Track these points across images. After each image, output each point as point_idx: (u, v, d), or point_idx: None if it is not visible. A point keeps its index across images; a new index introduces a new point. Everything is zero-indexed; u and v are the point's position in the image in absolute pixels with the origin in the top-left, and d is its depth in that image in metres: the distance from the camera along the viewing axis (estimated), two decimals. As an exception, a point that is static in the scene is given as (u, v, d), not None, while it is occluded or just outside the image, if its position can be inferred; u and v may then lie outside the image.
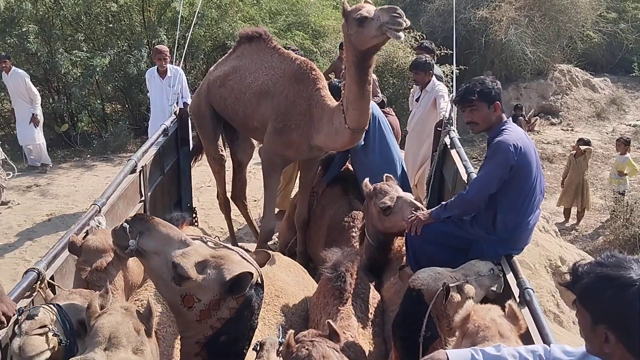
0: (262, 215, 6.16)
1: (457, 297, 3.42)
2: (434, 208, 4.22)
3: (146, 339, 2.61)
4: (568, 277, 2.03)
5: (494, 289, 3.69)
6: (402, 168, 6.04)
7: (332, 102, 5.33)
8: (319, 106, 5.32)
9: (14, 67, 10.41)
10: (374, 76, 8.45)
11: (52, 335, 2.77)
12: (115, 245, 3.05)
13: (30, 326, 2.72)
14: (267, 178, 5.88)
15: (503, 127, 3.97)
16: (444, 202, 4.20)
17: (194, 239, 3.01)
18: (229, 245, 3.10)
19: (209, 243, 3.02)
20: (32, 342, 2.70)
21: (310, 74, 5.47)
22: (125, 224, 2.91)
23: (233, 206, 7.01)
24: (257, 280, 2.96)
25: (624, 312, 1.86)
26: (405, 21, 4.34)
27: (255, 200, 8.35)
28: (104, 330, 2.51)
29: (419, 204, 4.48)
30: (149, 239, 2.89)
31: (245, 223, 7.38)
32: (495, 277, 3.70)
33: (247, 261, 2.95)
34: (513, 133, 3.93)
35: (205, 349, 2.92)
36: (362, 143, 5.81)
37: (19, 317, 2.81)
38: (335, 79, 6.65)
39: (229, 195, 6.93)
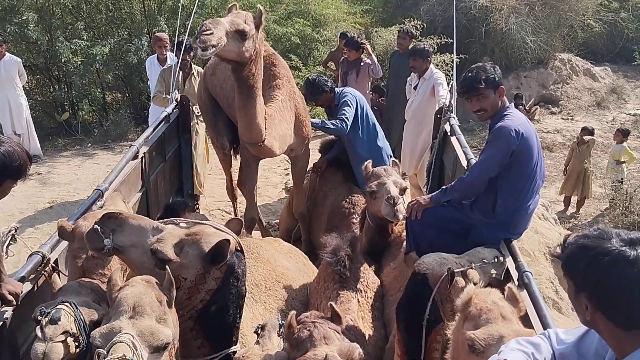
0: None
1: (461, 282, 3.44)
2: (435, 192, 4.25)
3: (168, 309, 2.66)
4: (559, 249, 2.09)
5: (495, 275, 3.72)
6: (389, 157, 6.08)
7: (280, 103, 5.29)
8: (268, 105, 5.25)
9: (7, 54, 10.33)
10: (374, 58, 8.48)
11: (73, 340, 2.81)
12: (91, 249, 3.09)
13: (54, 332, 2.75)
14: (244, 170, 5.95)
15: (505, 113, 3.99)
16: (444, 187, 4.22)
17: (166, 224, 3.07)
18: (201, 220, 3.15)
19: (181, 224, 3.09)
20: (56, 350, 2.74)
21: (270, 69, 5.39)
22: (96, 225, 2.96)
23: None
24: (236, 247, 3.04)
25: (599, 280, 1.91)
26: (205, 39, 4.20)
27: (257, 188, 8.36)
28: (128, 300, 2.56)
29: (396, 195, 4.49)
30: (122, 235, 2.95)
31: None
32: (499, 265, 3.73)
33: (222, 231, 3.03)
34: (515, 118, 3.96)
35: (198, 323, 2.98)
36: (352, 133, 5.88)
37: (40, 318, 2.80)
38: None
39: (235, 183, 6.96)
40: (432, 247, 4.14)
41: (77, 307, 2.92)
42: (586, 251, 1.95)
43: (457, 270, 3.44)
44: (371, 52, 8.56)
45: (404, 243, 4.66)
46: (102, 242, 2.94)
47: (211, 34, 4.23)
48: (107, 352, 2.38)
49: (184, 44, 7.35)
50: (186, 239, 2.94)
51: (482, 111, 4.04)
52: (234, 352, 3.13)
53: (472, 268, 3.54)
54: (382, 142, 6.11)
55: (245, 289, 3.17)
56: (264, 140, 5.07)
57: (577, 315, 2.08)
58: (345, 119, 5.74)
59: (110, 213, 3.06)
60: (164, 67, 8.36)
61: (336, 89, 6.12)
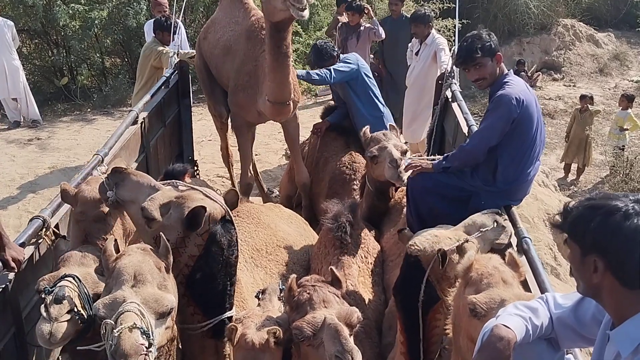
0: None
1: (456, 258, 3.32)
2: (436, 159, 4.25)
3: (167, 275, 2.68)
4: (559, 218, 2.08)
5: (500, 240, 3.59)
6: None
7: None
8: (262, 69, 5.14)
9: (1, 18, 10.18)
10: (375, 20, 8.38)
11: (77, 318, 2.80)
12: (101, 198, 3.15)
13: (60, 311, 2.74)
14: (237, 137, 5.89)
15: (505, 80, 3.96)
16: (446, 154, 4.21)
17: (166, 185, 3.10)
18: (196, 186, 3.17)
19: (180, 187, 3.10)
20: (62, 330, 2.74)
21: (260, 33, 5.26)
22: (104, 177, 3.06)
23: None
24: (223, 217, 3.04)
25: (611, 238, 1.92)
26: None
27: (256, 155, 8.34)
28: (128, 269, 2.57)
29: (399, 157, 4.50)
30: (124, 189, 3.02)
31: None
32: (500, 229, 3.59)
33: (211, 199, 3.03)
34: (515, 86, 3.93)
35: (187, 289, 3.00)
36: (353, 97, 5.82)
37: (45, 297, 2.79)
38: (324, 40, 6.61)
39: (232, 149, 6.93)
40: (432, 213, 4.16)
41: (80, 281, 2.91)
42: (596, 210, 1.96)
43: (450, 247, 3.30)
44: (372, 15, 8.46)
45: (404, 209, 4.68)
46: (106, 194, 3.02)
47: None
48: (115, 322, 2.39)
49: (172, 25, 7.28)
50: (174, 201, 2.96)
51: (480, 80, 4.02)
52: (230, 318, 3.14)
53: (467, 242, 3.39)
54: (383, 108, 6.06)
55: (236, 258, 3.17)
56: (292, 99, 5.05)
57: (579, 281, 2.08)
58: (334, 70, 5.68)
59: (117, 167, 3.11)
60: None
61: (341, 55, 6.06)
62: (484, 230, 3.51)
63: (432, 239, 3.38)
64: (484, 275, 2.82)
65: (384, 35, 8.46)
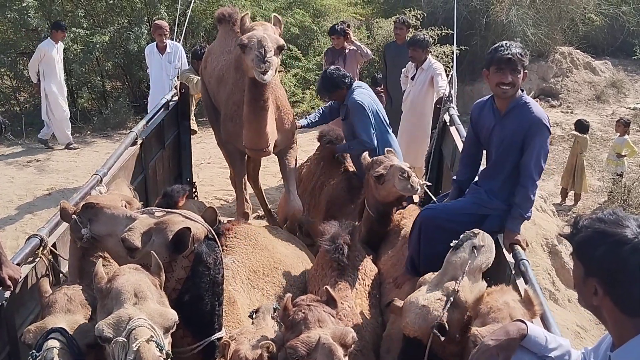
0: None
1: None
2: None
3: (162, 292, 2.68)
4: (569, 229, 2.08)
5: (489, 262, 3.26)
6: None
7: None
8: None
9: (60, 42, 10.49)
10: (357, 42, 8.31)
11: None
12: (74, 238, 3.13)
13: None
14: (230, 165, 5.89)
15: (527, 100, 4.03)
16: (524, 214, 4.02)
17: (142, 213, 3.10)
18: (174, 210, 3.17)
19: (156, 213, 3.09)
20: None
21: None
22: (74, 215, 3.03)
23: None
24: (207, 236, 3.04)
25: (615, 268, 1.92)
26: (267, 61, 4.18)
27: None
28: (127, 288, 2.55)
29: (408, 169, 4.53)
30: (99, 224, 3.02)
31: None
32: (481, 250, 3.18)
33: (191, 220, 3.02)
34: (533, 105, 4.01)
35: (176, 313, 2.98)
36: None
37: None
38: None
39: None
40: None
41: (68, 334, 2.78)
42: (605, 237, 1.95)
43: (442, 313, 2.96)
44: (354, 39, 8.37)
45: (402, 231, 4.68)
46: (80, 232, 3.00)
47: (272, 55, 4.23)
48: (128, 339, 2.37)
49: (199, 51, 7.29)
50: (154, 227, 2.95)
51: (509, 86, 3.91)
52: (220, 339, 3.12)
53: (457, 292, 3.01)
54: (391, 137, 5.96)
55: (222, 277, 3.16)
56: (268, 146, 5.04)
57: (579, 298, 2.09)
58: (364, 132, 5.54)
59: (88, 203, 3.10)
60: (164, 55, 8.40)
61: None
62: (466, 267, 3.10)
63: (422, 311, 3.03)
64: (492, 310, 2.81)
65: (370, 55, 8.44)
